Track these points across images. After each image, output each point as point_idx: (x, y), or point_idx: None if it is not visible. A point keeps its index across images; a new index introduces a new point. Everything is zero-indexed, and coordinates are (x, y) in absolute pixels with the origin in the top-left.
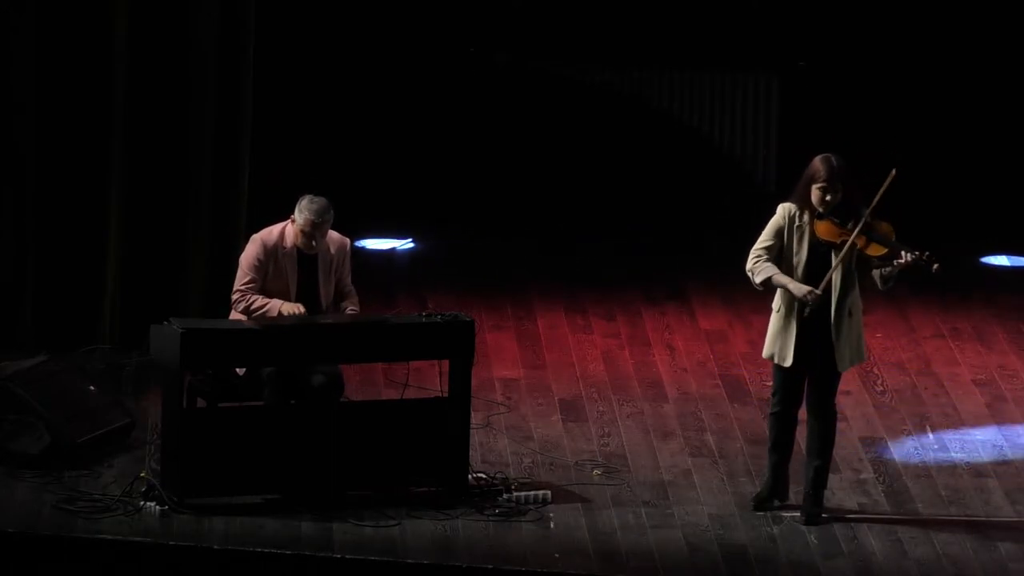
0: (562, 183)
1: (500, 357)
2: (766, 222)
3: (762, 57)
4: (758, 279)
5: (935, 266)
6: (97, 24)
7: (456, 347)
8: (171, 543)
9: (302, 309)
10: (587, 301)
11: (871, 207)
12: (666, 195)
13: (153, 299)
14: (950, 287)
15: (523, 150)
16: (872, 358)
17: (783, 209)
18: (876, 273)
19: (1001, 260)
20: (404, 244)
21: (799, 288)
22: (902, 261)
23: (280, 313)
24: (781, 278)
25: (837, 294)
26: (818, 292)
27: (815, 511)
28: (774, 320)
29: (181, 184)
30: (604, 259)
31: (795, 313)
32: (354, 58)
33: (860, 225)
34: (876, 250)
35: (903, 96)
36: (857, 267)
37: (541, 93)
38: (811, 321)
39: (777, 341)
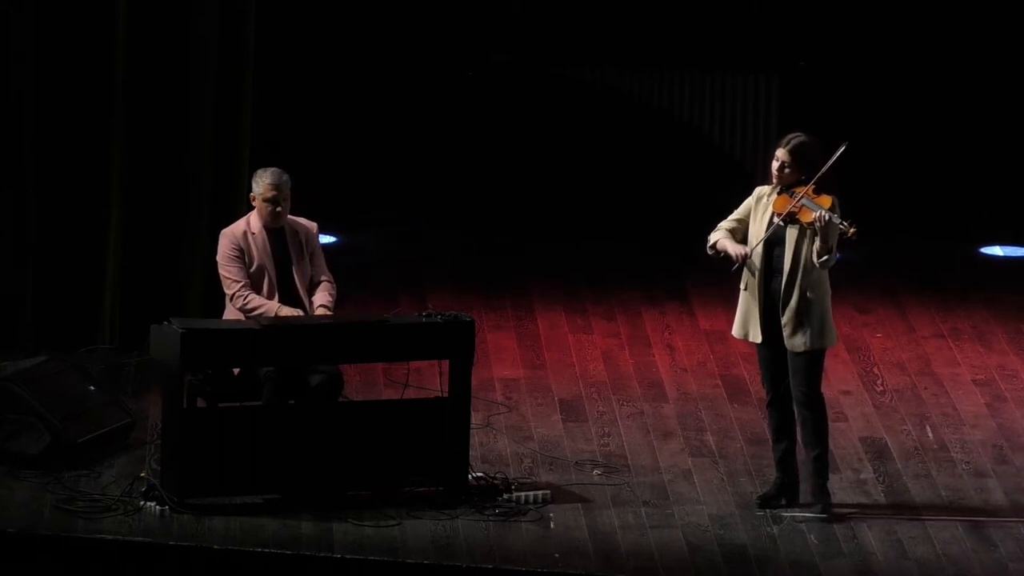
0: (562, 183)
1: (500, 357)
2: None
3: (762, 57)
4: (709, 242)
5: (852, 231)
6: (97, 24)
7: (456, 347)
8: (171, 543)
9: (301, 312)
10: (587, 301)
11: (814, 176)
12: (666, 195)
13: (153, 299)
14: (949, 284)
15: (523, 150)
16: (872, 358)
17: (756, 190)
18: (814, 247)
19: (995, 251)
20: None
21: (735, 247)
22: (821, 222)
23: (277, 315)
24: (723, 242)
25: (787, 272)
26: (746, 251)
27: (828, 502)
28: (741, 299)
29: (181, 184)
30: (604, 259)
31: (761, 291)
32: (354, 58)
33: (801, 194)
34: (806, 215)
35: (903, 95)
36: (811, 244)
37: (540, 93)
38: (770, 300)
39: (744, 319)
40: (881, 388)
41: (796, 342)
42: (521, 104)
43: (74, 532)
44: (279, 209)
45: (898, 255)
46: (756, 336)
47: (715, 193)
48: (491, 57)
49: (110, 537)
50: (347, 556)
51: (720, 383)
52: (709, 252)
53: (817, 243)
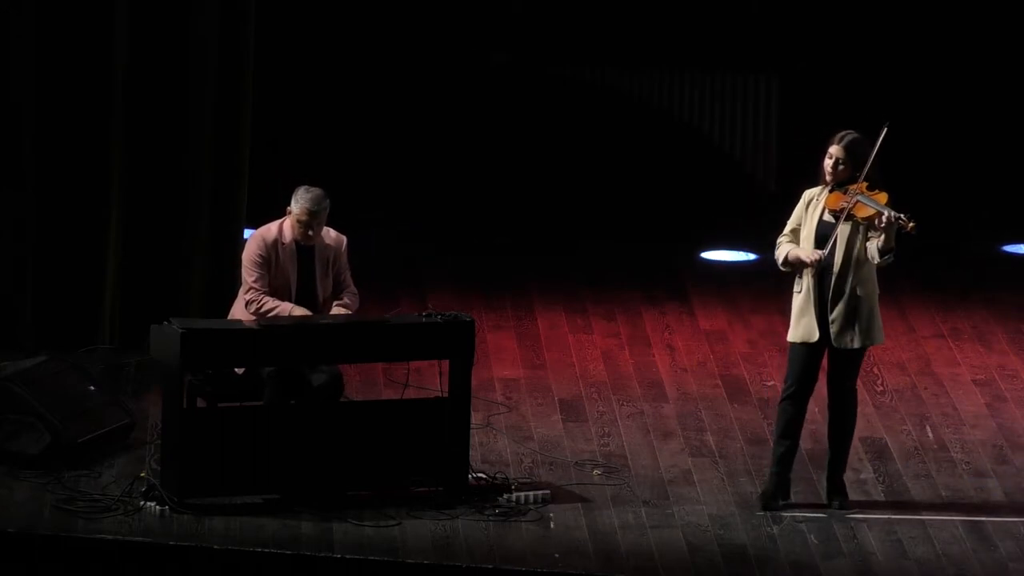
0: (562, 183)
1: (500, 357)
2: (767, 221)
3: (762, 57)
4: (779, 260)
5: (910, 225)
6: (97, 24)
7: (456, 347)
8: (171, 543)
9: (311, 314)
10: (587, 301)
11: (864, 171)
12: (666, 195)
13: (153, 299)
14: (949, 284)
15: (523, 150)
16: (872, 358)
17: (805, 193)
18: (870, 245)
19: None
20: None
21: (808, 252)
22: (883, 222)
23: (291, 315)
24: (794, 251)
25: (838, 269)
26: (822, 252)
27: (843, 498)
28: (797, 302)
29: (181, 184)
30: (604, 259)
31: (815, 289)
32: (354, 58)
33: (856, 190)
34: (863, 211)
35: (902, 95)
36: (863, 241)
37: (540, 93)
38: (820, 297)
39: (802, 321)
40: (881, 388)
41: (845, 340)
42: (522, 104)
43: (74, 532)
44: (311, 233)
45: (898, 255)
46: (813, 335)
47: (716, 194)
48: (491, 57)
49: (110, 537)
50: (347, 556)
51: (720, 383)
52: (783, 268)
53: (879, 241)
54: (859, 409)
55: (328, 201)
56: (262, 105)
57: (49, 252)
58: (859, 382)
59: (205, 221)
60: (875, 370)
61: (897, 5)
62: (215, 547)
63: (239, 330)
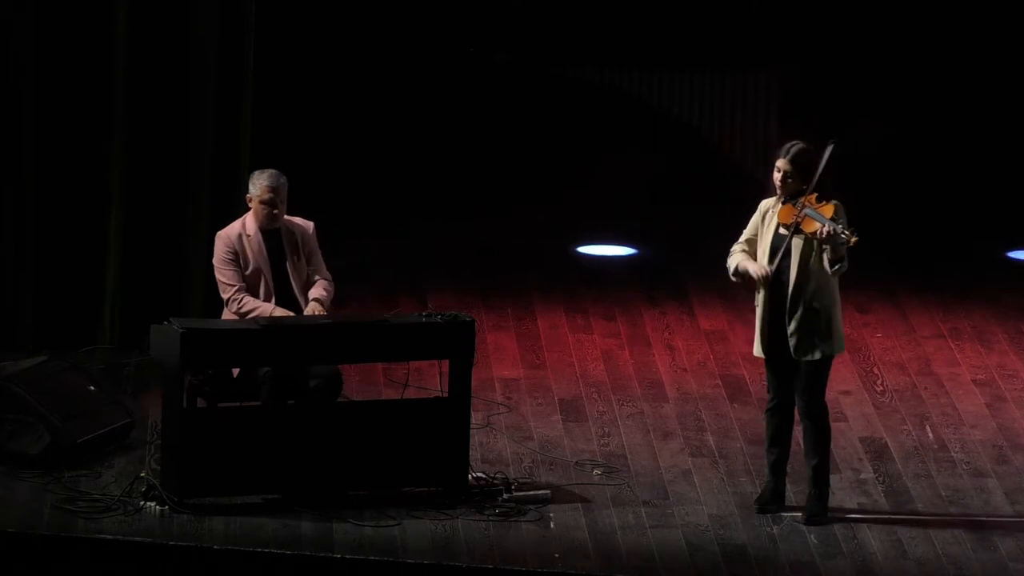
0: (562, 183)
1: (500, 357)
2: None
3: (762, 57)
4: (730, 270)
5: (853, 239)
6: (97, 24)
7: (456, 347)
8: (171, 543)
9: (293, 315)
10: (587, 301)
11: (811, 185)
12: (666, 195)
13: (153, 299)
14: (949, 284)
15: (523, 150)
16: (872, 358)
17: (762, 204)
18: (824, 256)
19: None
20: None
21: (756, 266)
22: (823, 234)
23: (272, 317)
24: (744, 263)
25: (793, 282)
26: (768, 268)
27: (816, 511)
28: (757, 316)
29: (181, 184)
30: (604, 259)
31: (769, 303)
32: (354, 58)
33: (803, 204)
34: (809, 225)
35: (903, 95)
36: (818, 253)
37: (540, 93)
38: (776, 311)
39: (758, 335)
40: (881, 388)
41: (802, 352)
42: (521, 104)
43: (74, 532)
44: (276, 211)
45: (898, 255)
46: (759, 351)
47: (715, 193)
48: (492, 57)
49: (110, 537)
50: (347, 556)
51: (720, 383)
52: (733, 279)
53: (828, 252)
54: (859, 409)
55: (285, 179)
56: (262, 105)
57: (49, 252)
58: (859, 382)
59: (205, 221)
60: (875, 370)
61: (898, 5)
62: (215, 547)
63: (239, 330)
